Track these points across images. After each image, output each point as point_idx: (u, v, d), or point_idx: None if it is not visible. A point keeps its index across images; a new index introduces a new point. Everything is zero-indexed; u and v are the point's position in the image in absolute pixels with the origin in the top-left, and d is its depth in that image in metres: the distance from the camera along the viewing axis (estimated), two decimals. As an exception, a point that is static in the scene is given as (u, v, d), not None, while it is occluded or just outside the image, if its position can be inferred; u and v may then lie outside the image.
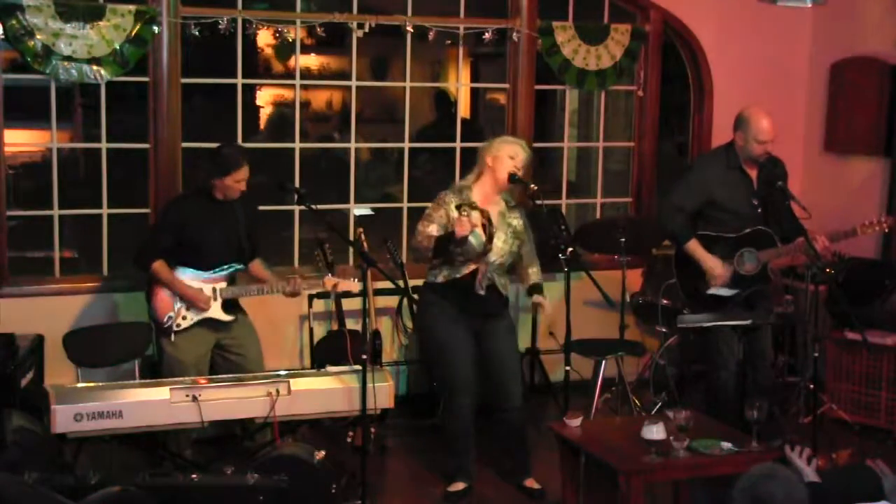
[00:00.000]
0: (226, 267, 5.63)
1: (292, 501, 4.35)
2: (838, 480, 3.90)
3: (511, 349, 5.54)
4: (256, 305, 5.84)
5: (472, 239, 5.19)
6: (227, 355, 5.67)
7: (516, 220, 5.45)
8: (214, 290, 5.61)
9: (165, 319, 5.54)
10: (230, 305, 5.68)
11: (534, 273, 5.56)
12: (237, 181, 5.53)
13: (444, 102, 9.21)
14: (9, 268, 6.20)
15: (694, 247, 5.80)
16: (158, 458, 5.30)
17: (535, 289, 5.54)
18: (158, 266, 5.52)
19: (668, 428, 4.67)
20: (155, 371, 5.89)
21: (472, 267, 5.33)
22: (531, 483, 5.55)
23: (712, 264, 5.77)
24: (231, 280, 5.67)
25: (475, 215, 5.18)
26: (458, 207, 5.21)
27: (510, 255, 5.42)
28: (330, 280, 5.66)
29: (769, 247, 5.75)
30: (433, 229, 5.33)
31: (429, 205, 5.55)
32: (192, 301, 5.55)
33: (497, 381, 5.48)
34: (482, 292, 5.35)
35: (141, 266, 5.58)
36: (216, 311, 5.61)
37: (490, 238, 5.27)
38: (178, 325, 5.55)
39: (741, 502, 3.21)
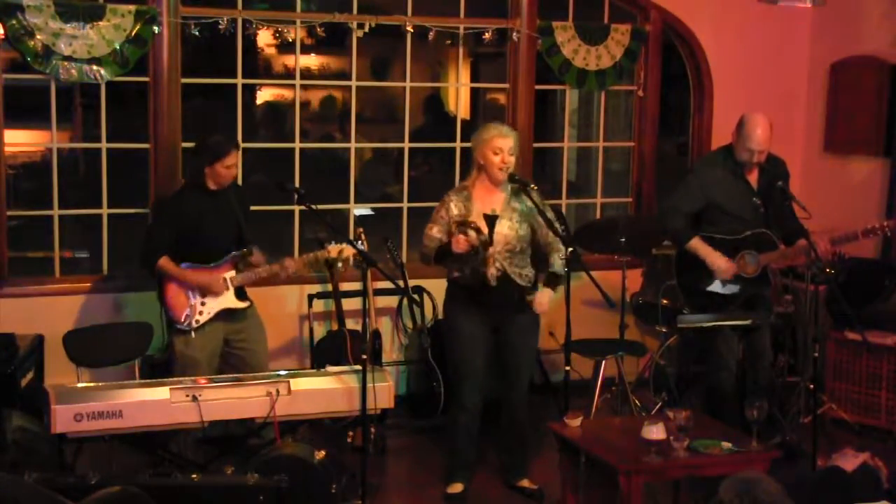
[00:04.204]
0: (228, 256, 5.62)
1: (292, 501, 4.35)
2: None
3: (524, 343, 5.46)
4: (257, 304, 5.83)
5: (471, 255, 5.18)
6: (234, 349, 5.68)
7: (523, 203, 5.32)
8: (225, 279, 5.60)
9: (184, 318, 5.52)
10: (241, 292, 5.68)
11: (557, 259, 5.32)
12: (227, 167, 5.52)
13: (437, 105, 9.20)
14: (9, 268, 6.20)
15: (696, 244, 5.80)
16: (158, 458, 5.30)
17: (551, 279, 5.35)
18: (164, 262, 5.50)
19: (668, 428, 4.66)
20: (158, 371, 5.89)
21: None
22: (527, 483, 5.56)
23: (715, 259, 5.77)
24: (237, 267, 5.67)
25: (472, 235, 5.15)
26: (459, 224, 5.20)
27: (518, 239, 5.29)
28: (335, 247, 5.58)
29: (770, 249, 5.75)
30: (436, 231, 5.34)
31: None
32: (207, 287, 5.52)
33: (504, 372, 5.47)
34: (494, 284, 5.30)
35: (146, 265, 5.55)
36: (231, 300, 5.61)
37: (485, 248, 5.21)
38: (196, 322, 5.54)
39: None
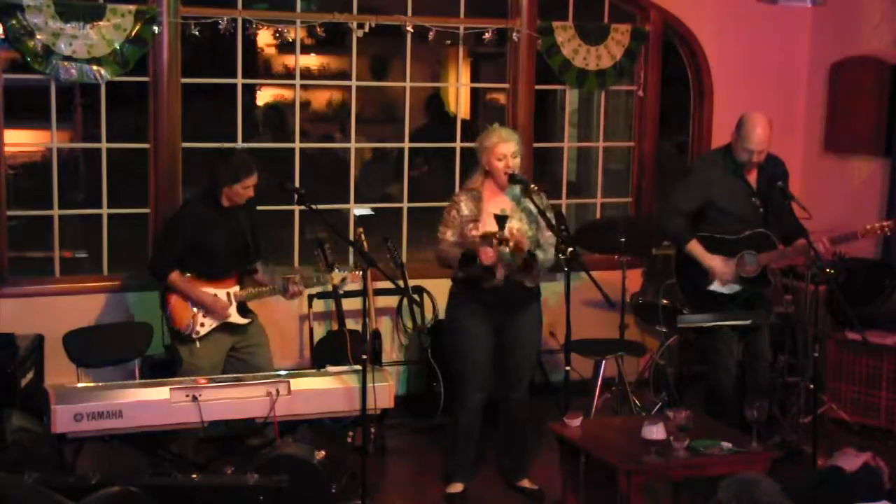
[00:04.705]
0: (235, 271, 5.63)
1: (292, 501, 4.35)
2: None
3: (526, 343, 5.45)
4: (257, 306, 5.83)
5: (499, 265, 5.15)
6: (239, 356, 5.68)
7: (530, 204, 5.31)
8: (228, 294, 5.62)
9: (185, 328, 5.53)
10: (244, 308, 5.69)
11: (539, 253, 5.26)
12: (246, 188, 5.54)
13: (438, 105, 9.21)
14: (9, 268, 6.20)
15: (693, 246, 5.80)
16: (158, 458, 5.30)
17: (529, 257, 5.22)
18: (175, 277, 5.52)
19: (668, 428, 4.67)
20: (158, 371, 5.89)
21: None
22: (527, 483, 5.57)
23: (712, 262, 5.77)
24: (241, 283, 5.67)
25: (499, 248, 5.10)
26: (483, 238, 5.15)
27: (527, 240, 5.27)
28: (338, 274, 5.63)
29: (769, 249, 5.75)
30: (449, 234, 5.33)
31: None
32: (210, 309, 5.55)
33: (505, 371, 5.47)
34: (500, 283, 5.27)
35: (158, 278, 5.59)
36: (233, 316, 5.63)
37: (515, 254, 5.15)
38: (197, 333, 5.55)
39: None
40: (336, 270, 5.68)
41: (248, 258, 5.69)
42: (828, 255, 5.64)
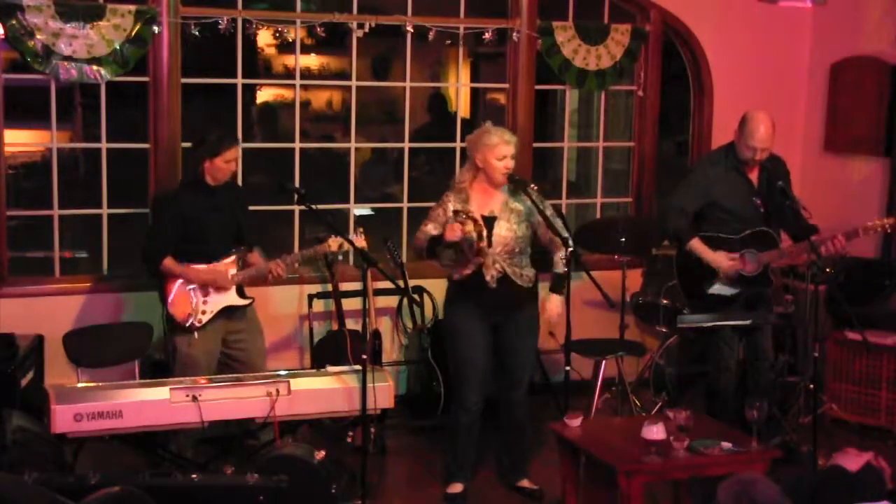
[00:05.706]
0: (230, 252, 5.61)
1: (292, 501, 4.35)
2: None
3: (524, 343, 5.46)
4: (256, 305, 5.82)
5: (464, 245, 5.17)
6: (232, 350, 5.65)
7: (522, 202, 5.33)
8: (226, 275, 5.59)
9: (187, 318, 5.49)
10: (242, 289, 5.67)
11: (558, 260, 5.36)
12: (227, 161, 5.50)
13: (440, 104, 9.21)
14: (9, 268, 6.20)
15: (696, 245, 5.80)
16: (158, 458, 5.30)
17: (555, 284, 5.39)
18: (169, 262, 5.48)
19: (668, 428, 4.66)
20: (158, 371, 5.89)
21: (479, 261, 5.31)
22: (526, 483, 5.57)
23: (715, 258, 5.77)
24: (238, 264, 5.65)
25: (469, 227, 5.14)
26: (455, 213, 5.21)
27: (517, 240, 5.30)
28: (335, 240, 5.53)
29: (771, 248, 5.75)
30: (430, 228, 5.35)
31: (429, 205, 5.57)
32: (213, 283, 5.50)
33: (504, 372, 5.47)
34: (494, 285, 5.29)
35: (151, 265, 5.54)
36: (232, 297, 5.59)
37: (479, 238, 5.18)
38: (199, 321, 5.51)
39: None
40: (333, 237, 5.56)
41: (241, 238, 5.66)
42: (844, 251, 5.62)
